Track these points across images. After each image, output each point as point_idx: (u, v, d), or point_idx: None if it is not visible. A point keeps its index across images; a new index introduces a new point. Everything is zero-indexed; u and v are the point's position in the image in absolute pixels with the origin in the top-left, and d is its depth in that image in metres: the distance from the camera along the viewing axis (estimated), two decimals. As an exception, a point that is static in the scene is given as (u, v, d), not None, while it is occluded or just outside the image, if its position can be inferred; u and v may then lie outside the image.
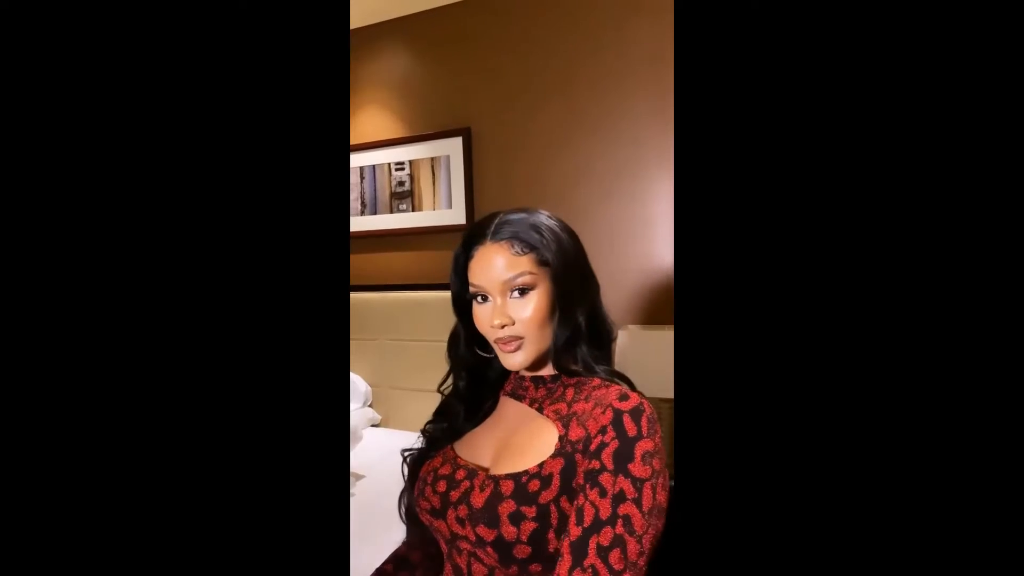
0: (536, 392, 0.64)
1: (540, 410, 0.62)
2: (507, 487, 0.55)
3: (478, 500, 0.55)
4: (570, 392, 0.62)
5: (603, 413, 0.54)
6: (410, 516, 0.66)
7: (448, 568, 0.60)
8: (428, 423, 0.69)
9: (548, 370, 0.65)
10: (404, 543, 0.71)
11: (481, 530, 0.53)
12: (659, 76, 1.63)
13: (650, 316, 1.65)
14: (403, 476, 0.67)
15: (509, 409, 0.66)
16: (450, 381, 0.71)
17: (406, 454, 0.69)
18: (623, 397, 0.55)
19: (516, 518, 0.52)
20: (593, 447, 0.53)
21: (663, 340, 1.49)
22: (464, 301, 0.64)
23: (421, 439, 0.69)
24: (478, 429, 0.66)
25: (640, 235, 1.69)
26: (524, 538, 0.52)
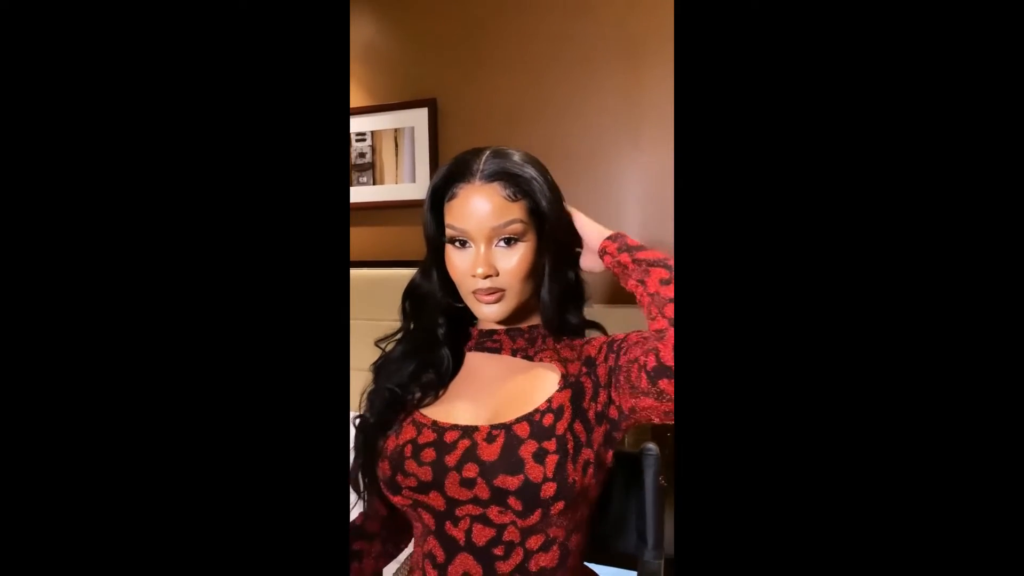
0: (515, 343, 0.61)
1: (528, 358, 0.60)
2: (522, 430, 0.53)
3: (490, 453, 0.52)
4: (550, 341, 0.61)
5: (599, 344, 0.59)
6: (371, 488, 0.61)
7: (432, 544, 0.55)
8: (376, 389, 0.61)
9: (524, 322, 0.62)
10: (361, 514, 0.67)
11: (502, 481, 0.51)
12: (629, 59, 1.62)
13: (615, 295, 1.67)
14: (356, 446, 0.60)
15: (482, 363, 0.61)
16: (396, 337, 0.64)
17: (360, 421, 0.61)
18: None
19: (540, 456, 0.51)
20: (603, 351, 0.57)
21: (628, 318, 1.50)
22: (439, 243, 0.58)
23: (377, 402, 0.61)
24: (450, 389, 0.61)
25: (608, 217, 1.69)
26: (551, 474, 0.50)
